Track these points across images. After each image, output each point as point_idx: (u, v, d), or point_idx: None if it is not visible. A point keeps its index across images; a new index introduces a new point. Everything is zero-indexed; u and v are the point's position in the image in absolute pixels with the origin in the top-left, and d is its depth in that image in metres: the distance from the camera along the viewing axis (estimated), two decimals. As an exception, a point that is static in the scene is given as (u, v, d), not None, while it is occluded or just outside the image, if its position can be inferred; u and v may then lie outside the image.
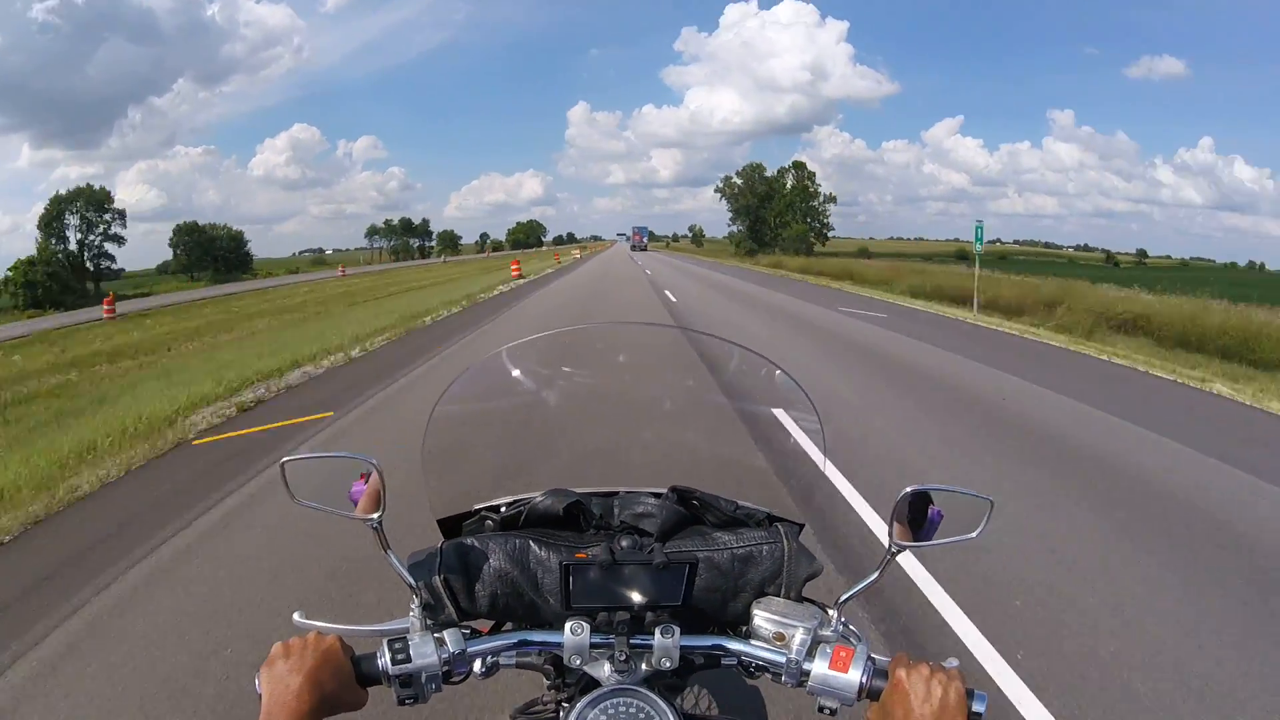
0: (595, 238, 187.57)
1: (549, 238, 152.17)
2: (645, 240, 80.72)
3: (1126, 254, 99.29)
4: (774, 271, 32.29)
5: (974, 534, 0.85)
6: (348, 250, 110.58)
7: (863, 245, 65.82)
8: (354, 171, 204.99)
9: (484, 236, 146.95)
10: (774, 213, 60.70)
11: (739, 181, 62.45)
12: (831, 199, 62.64)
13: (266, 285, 33.66)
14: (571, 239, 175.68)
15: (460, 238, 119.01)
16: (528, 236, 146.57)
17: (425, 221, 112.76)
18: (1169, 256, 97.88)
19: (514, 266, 22.66)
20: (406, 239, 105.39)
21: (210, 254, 59.95)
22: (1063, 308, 13.33)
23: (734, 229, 62.59)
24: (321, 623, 0.78)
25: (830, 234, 62.71)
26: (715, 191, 62.95)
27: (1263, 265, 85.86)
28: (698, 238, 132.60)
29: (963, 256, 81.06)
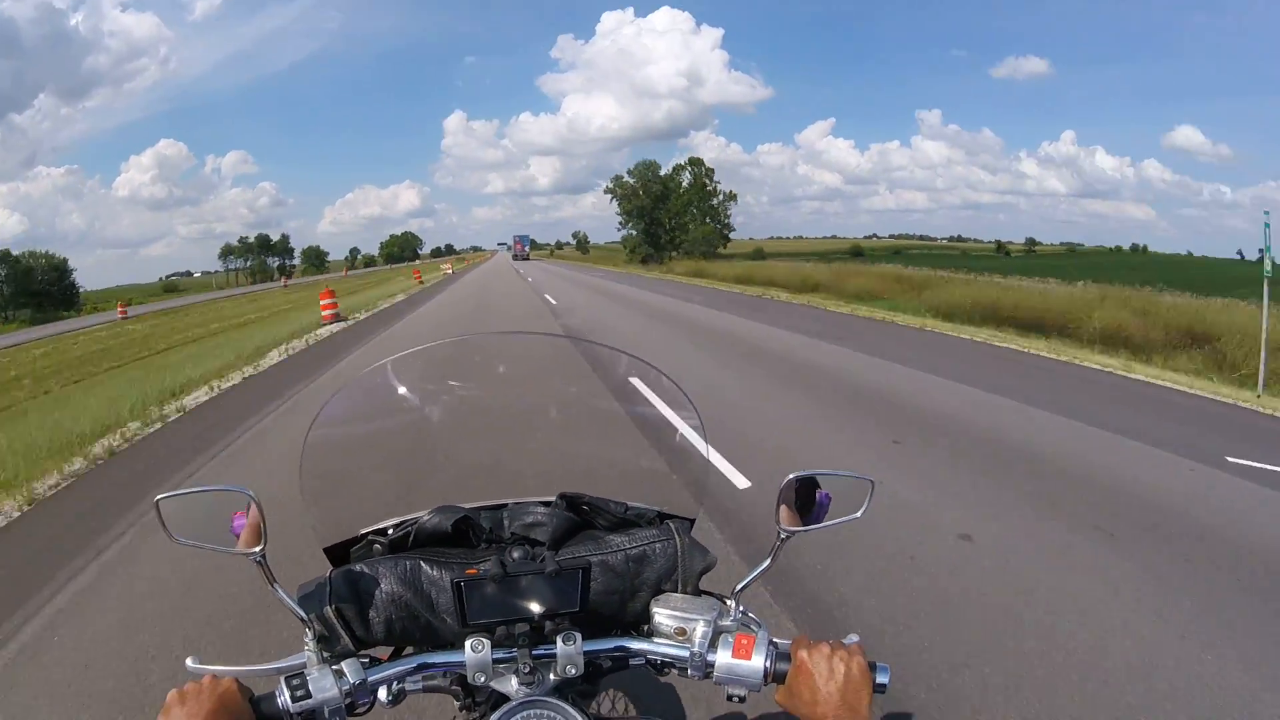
0: (476, 248, 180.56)
1: (426, 250, 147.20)
2: (527, 249, 78.72)
3: (1016, 244, 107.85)
4: (695, 281, 28.18)
5: (858, 513, 0.90)
6: (214, 273, 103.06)
7: (758, 246, 64.67)
8: (223, 189, 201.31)
9: (354, 252, 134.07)
10: (670, 213, 56.40)
11: (631, 181, 57.72)
12: (732, 197, 58.18)
13: (40, 335, 26.29)
14: (450, 250, 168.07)
15: (328, 254, 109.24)
16: (402, 250, 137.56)
17: (285, 238, 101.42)
18: (1057, 244, 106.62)
19: (325, 304, 14.31)
20: (264, 258, 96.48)
21: (26, 289, 50.70)
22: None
23: (627, 232, 58.73)
24: (216, 666, 0.78)
25: (731, 234, 59.33)
26: (605, 193, 57.16)
27: (1145, 248, 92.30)
28: (582, 244, 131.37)
29: (858, 253, 78.67)
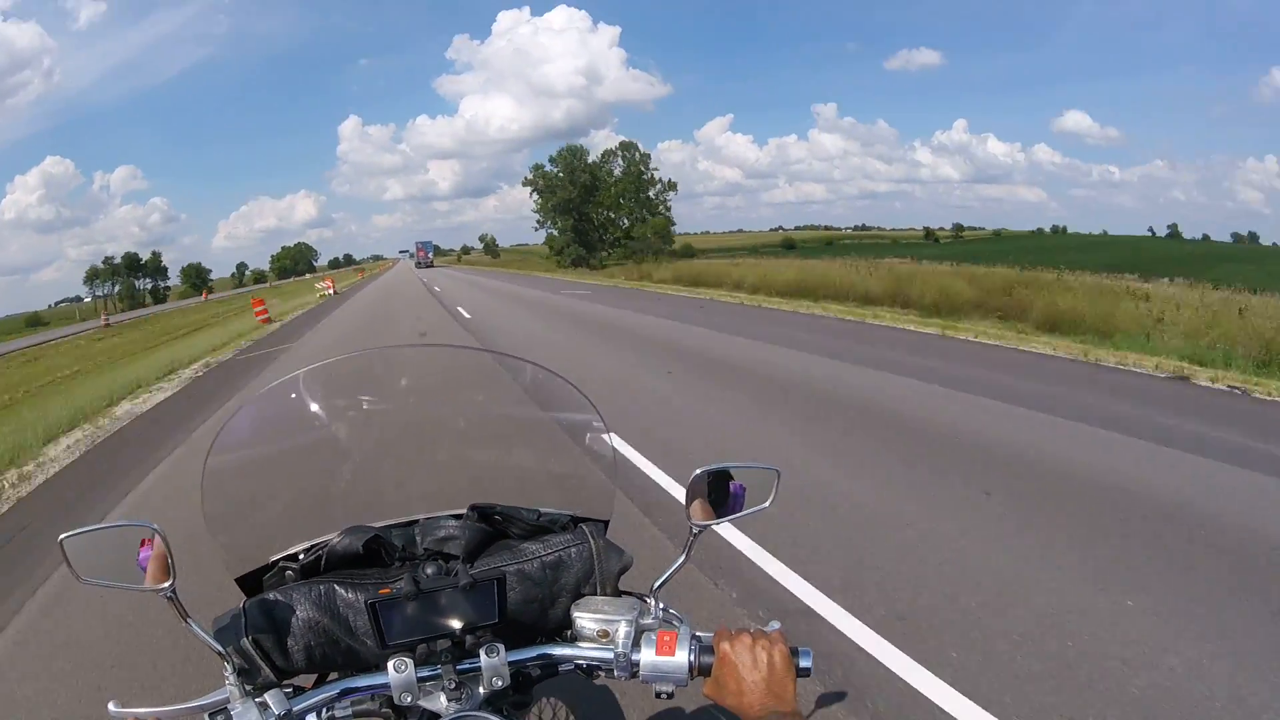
0: (377, 257, 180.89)
1: (323, 261, 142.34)
2: (430, 256, 77.03)
3: (944, 230, 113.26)
4: (643, 285, 24.67)
5: (767, 503, 0.92)
6: (76, 300, 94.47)
7: (687, 243, 59.63)
8: (113, 207, 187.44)
9: (241, 268, 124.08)
10: (601, 206, 49.16)
11: (554, 170, 49.96)
12: (671, 186, 50.32)
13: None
14: (350, 261, 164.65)
15: (210, 271, 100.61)
16: (295, 263, 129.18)
17: (156, 256, 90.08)
18: (949, 229, 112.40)
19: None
20: (132, 281, 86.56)
21: None
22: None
23: (549, 231, 52.36)
24: (138, 709, 0.77)
25: (673, 229, 51.31)
26: (525, 184, 50.76)
27: (1065, 229, 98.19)
28: (490, 247, 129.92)
29: (789, 246, 78.28)
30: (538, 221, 52.44)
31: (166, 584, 0.76)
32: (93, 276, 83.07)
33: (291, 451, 1.06)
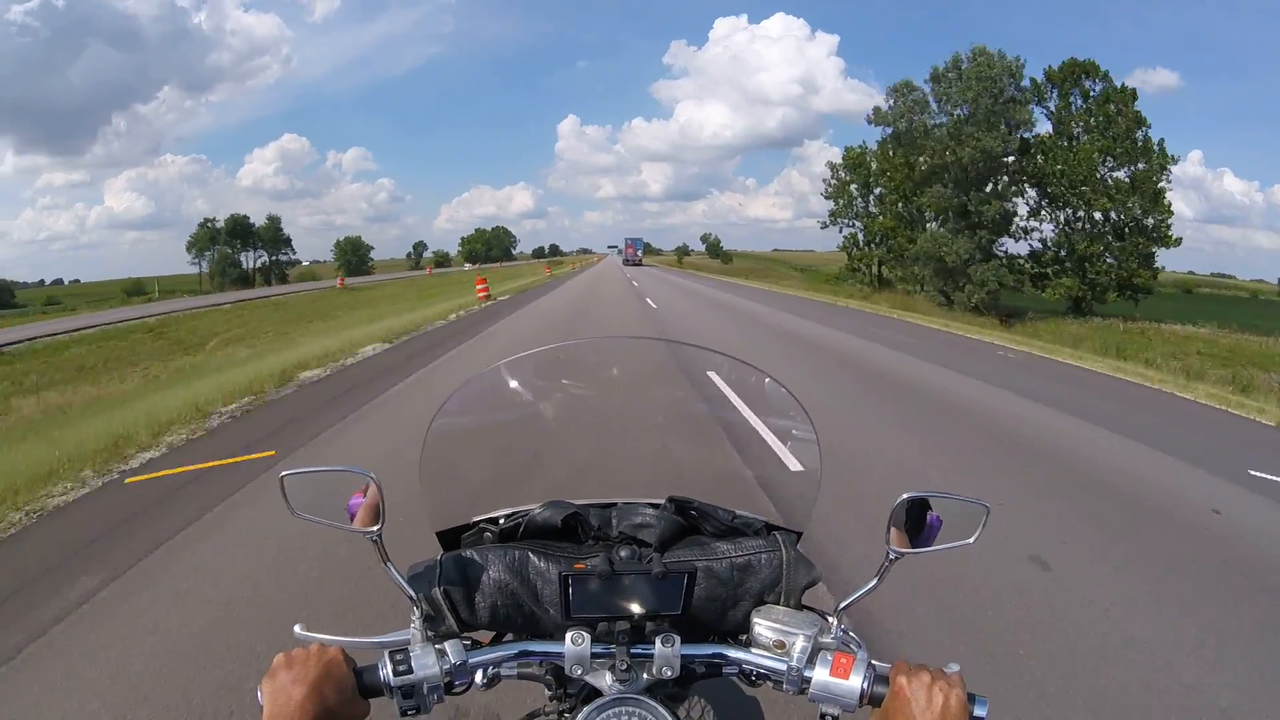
0: (584, 250, 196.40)
1: (523, 249, 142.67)
2: (640, 254, 79.18)
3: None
4: None
5: (970, 539, 0.97)
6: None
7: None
8: (344, 183, 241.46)
9: (418, 247, 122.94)
10: (1064, 171, 27.85)
11: (956, 82, 27.92)
12: (1163, 158, 27.89)
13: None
14: (555, 251, 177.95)
15: (371, 249, 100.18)
16: (489, 248, 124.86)
17: (274, 221, 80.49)
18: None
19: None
20: (231, 252, 75.73)
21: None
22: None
23: (853, 232, 37.20)
24: (323, 635, 0.90)
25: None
26: (870, 123, 31.39)
27: None
28: (715, 249, 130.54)
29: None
30: (829, 217, 38.40)
31: (375, 528, 0.92)
32: (196, 244, 75.74)
33: (505, 425, 1.29)
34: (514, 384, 1.25)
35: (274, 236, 78.33)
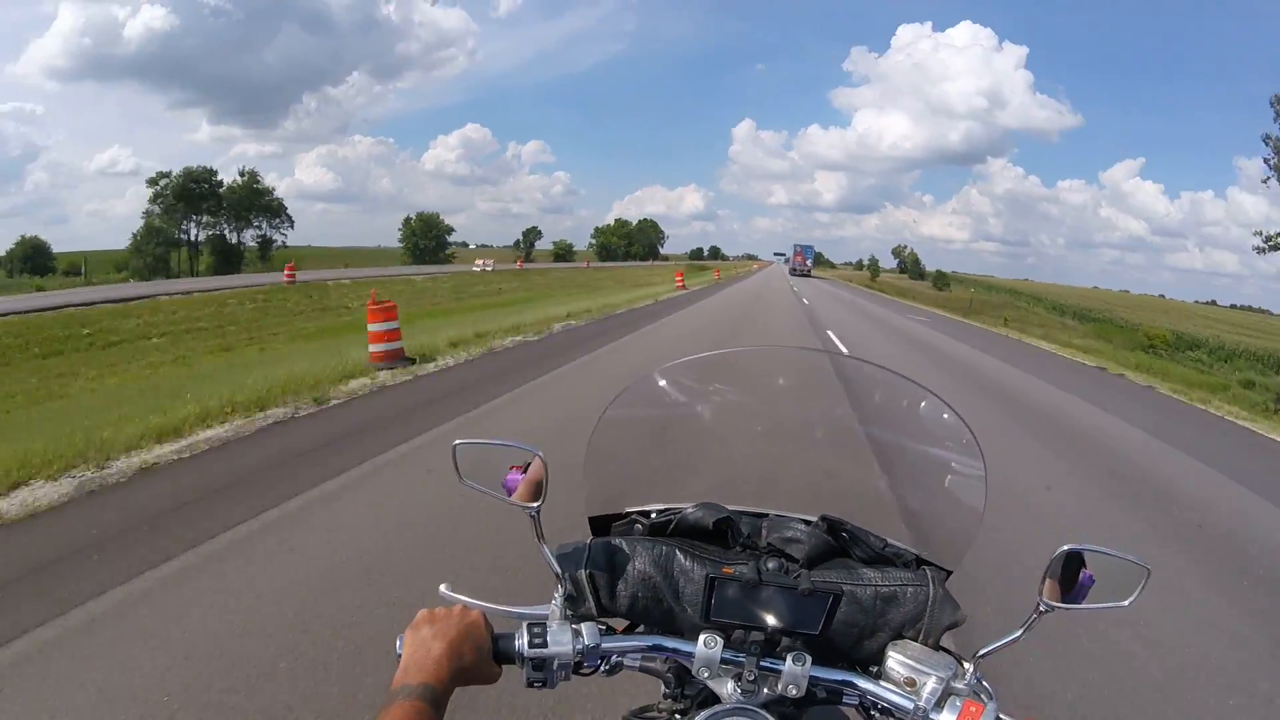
0: (750, 256, 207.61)
1: (675, 248, 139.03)
2: (809, 263, 77.88)
3: None
4: None
5: (1126, 602, 1.02)
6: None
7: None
8: (521, 173, 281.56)
9: (529, 235, 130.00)
10: None
11: None
12: None
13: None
14: (716, 255, 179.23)
15: (450, 230, 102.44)
16: (630, 244, 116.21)
17: (250, 178, 68.76)
18: None
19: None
20: (172, 224, 61.94)
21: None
22: None
23: None
24: (466, 597, 1.05)
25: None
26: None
27: None
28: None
29: None
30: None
31: (535, 504, 1.07)
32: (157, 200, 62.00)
33: (668, 422, 1.45)
34: (681, 384, 1.42)
35: (251, 204, 64.56)
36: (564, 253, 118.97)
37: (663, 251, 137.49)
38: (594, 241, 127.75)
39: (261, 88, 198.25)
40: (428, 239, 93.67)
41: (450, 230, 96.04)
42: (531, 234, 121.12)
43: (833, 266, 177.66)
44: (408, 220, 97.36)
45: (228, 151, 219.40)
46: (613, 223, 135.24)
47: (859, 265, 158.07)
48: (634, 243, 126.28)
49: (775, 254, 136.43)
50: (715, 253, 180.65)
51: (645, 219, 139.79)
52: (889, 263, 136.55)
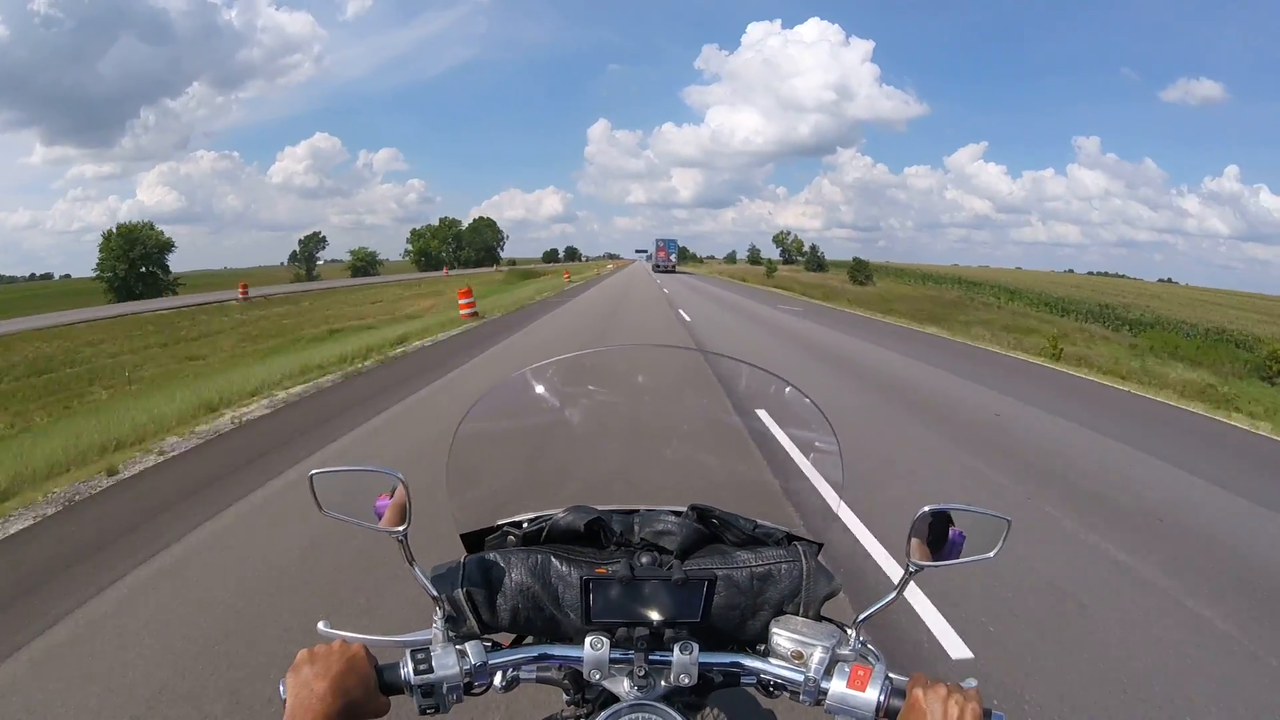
0: (611, 255, 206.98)
1: (533, 251, 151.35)
2: (673, 258, 75.03)
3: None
4: None
5: (991, 554, 1.13)
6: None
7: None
8: (374, 182, 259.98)
9: (307, 244, 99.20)
10: None
11: None
12: None
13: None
14: (572, 256, 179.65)
15: (170, 248, 79.76)
16: (459, 248, 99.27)
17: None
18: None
19: None
20: None
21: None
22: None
23: None
24: (346, 632, 1.08)
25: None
26: None
27: None
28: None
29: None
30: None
31: (401, 528, 1.10)
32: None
33: (530, 430, 1.51)
34: (540, 389, 1.48)
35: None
36: (365, 265, 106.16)
37: (505, 255, 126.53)
38: (409, 248, 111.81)
39: (97, 103, 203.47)
40: (129, 263, 68.56)
41: (170, 247, 72.26)
42: (312, 243, 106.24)
43: (699, 261, 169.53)
44: (107, 236, 72.02)
45: (64, 174, 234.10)
46: (437, 223, 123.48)
47: (730, 258, 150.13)
48: (464, 246, 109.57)
49: (637, 251, 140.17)
50: (572, 254, 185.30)
51: (481, 218, 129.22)
52: (769, 253, 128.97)
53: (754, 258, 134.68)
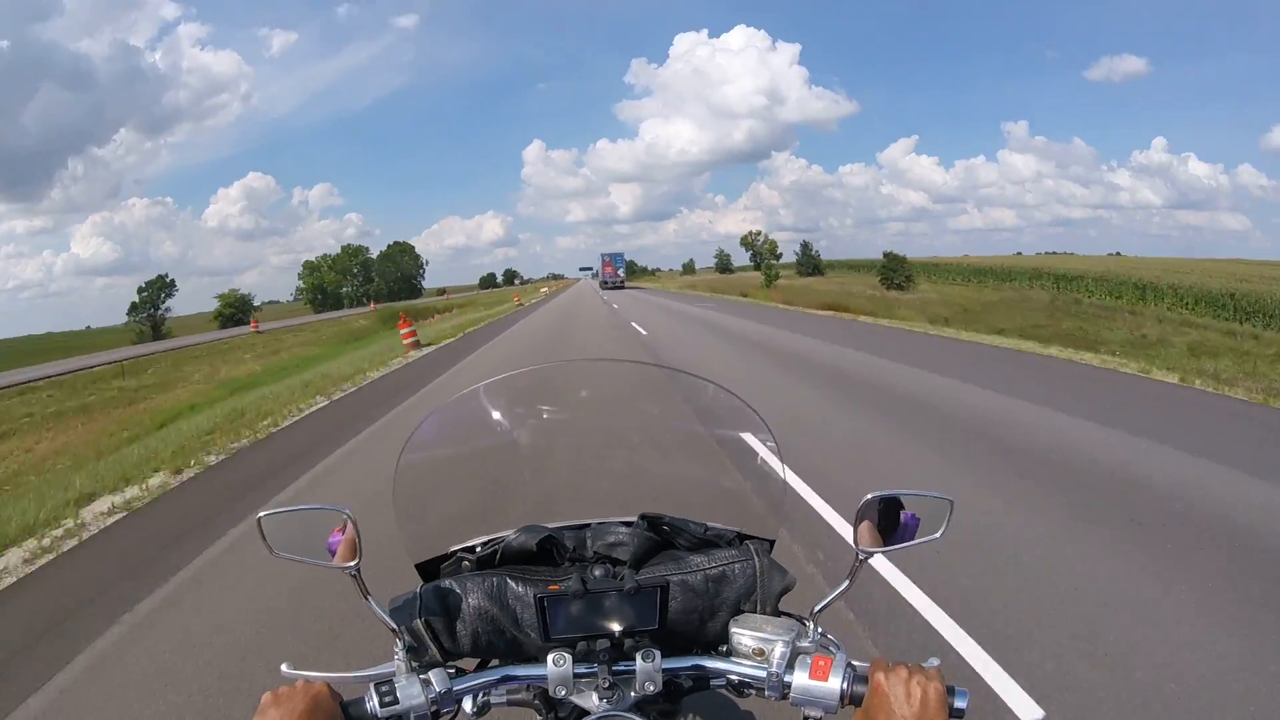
0: (555, 275, 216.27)
1: (470, 278, 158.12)
2: (621, 273, 71.46)
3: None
4: None
5: (938, 534, 1.21)
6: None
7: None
8: (311, 220, 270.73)
9: (155, 290, 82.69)
10: None
11: None
12: None
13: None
14: (512, 280, 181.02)
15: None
16: (368, 281, 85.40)
17: None
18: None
19: None
20: None
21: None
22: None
23: None
24: (309, 671, 1.10)
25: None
26: None
27: None
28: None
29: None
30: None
31: (353, 563, 1.15)
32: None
33: (475, 453, 1.57)
34: (483, 411, 1.52)
35: None
36: (234, 312, 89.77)
37: (435, 285, 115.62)
38: (302, 284, 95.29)
39: (20, 156, 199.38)
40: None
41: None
42: (155, 290, 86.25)
43: (651, 275, 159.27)
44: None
45: None
46: (340, 251, 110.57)
47: (689, 268, 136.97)
48: (375, 278, 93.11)
49: (581, 269, 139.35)
50: (511, 277, 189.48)
51: (396, 243, 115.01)
52: (740, 259, 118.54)
53: (723, 264, 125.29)
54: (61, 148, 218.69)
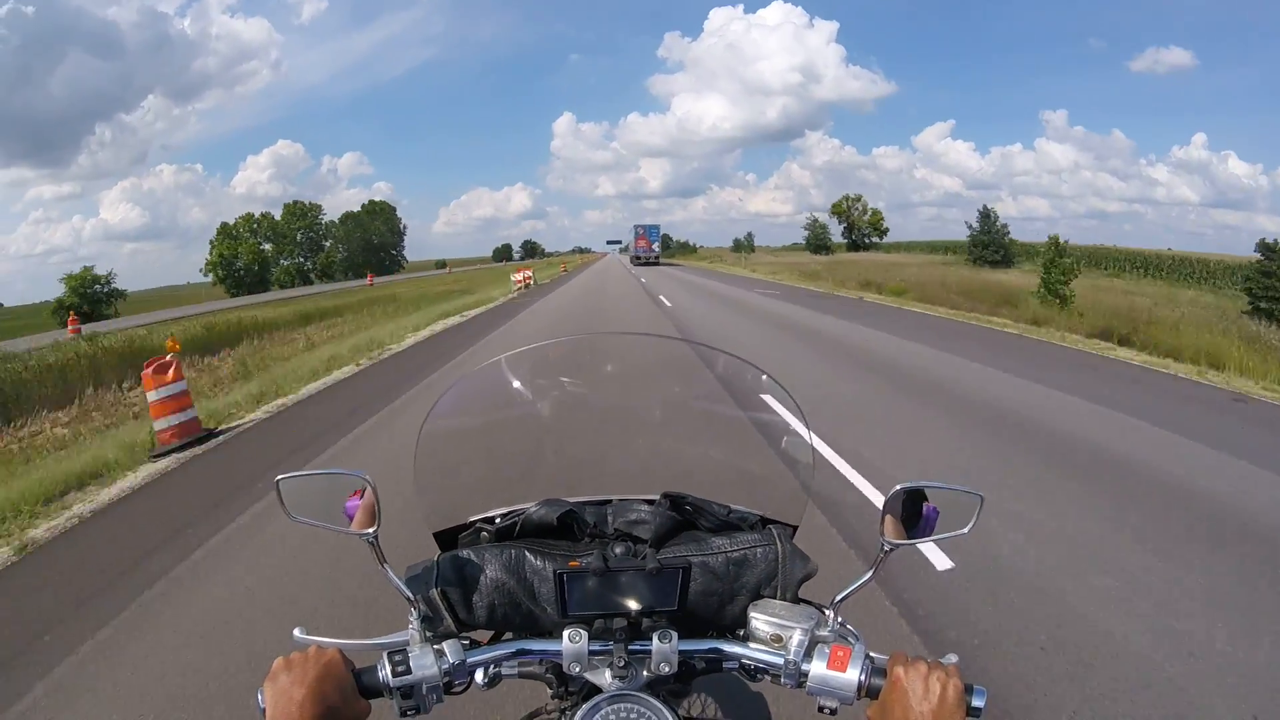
0: (581, 249, 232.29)
1: (465, 252, 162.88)
2: (656, 247, 68.21)
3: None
4: None
5: (965, 529, 1.26)
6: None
7: None
8: (340, 188, 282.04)
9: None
10: None
11: None
12: None
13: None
14: (533, 253, 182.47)
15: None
16: (315, 251, 76.36)
17: None
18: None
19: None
20: None
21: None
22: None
23: None
24: (321, 637, 1.18)
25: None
26: None
27: None
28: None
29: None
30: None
31: (371, 530, 1.24)
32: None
33: (499, 424, 1.66)
34: (507, 382, 1.60)
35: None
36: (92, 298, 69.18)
37: (444, 256, 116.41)
38: (212, 258, 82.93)
39: (49, 122, 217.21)
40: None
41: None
42: (84, 284, 68.38)
43: (694, 252, 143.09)
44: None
45: (22, 196, 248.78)
46: (284, 211, 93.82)
47: (738, 245, 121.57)
48: (331, 245, 76.26)
49: (609, 243, 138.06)
50: (532, 249, 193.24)
51: (372, 201, 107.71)
52: (834, 230, 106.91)
53: (818, 238, 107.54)
54: (90, 114, 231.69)
